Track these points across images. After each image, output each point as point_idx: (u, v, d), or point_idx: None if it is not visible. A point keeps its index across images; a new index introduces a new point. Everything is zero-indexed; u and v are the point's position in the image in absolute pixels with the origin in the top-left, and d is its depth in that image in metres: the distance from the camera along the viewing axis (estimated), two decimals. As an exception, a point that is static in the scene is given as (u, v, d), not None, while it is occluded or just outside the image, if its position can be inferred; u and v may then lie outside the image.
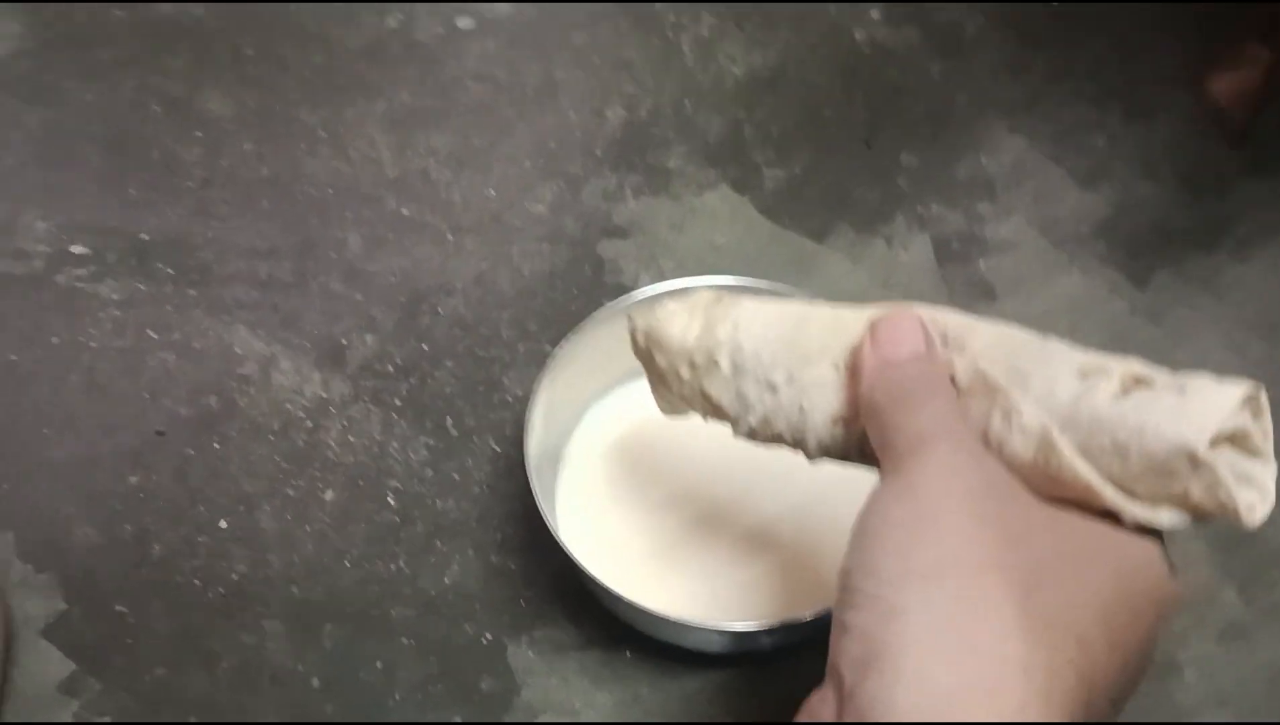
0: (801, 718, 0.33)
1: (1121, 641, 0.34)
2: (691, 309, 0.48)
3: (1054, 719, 0.30)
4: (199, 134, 0.77)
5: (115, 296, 0.70)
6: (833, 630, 0.33)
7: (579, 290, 0.71)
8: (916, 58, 0.81)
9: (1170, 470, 0.36)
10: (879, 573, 0.32)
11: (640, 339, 0.50)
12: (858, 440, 0.42)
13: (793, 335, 0.44)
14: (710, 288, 0.51)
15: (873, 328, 0.41)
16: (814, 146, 0.77)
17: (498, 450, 0.65)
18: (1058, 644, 0.32)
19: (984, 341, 0.40)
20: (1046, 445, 0.37)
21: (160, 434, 0.65)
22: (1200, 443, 0.35)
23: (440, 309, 0.70)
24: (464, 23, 0.83)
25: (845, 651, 0.32)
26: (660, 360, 0.49)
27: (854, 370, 0.42)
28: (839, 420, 0.42)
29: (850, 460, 0.43)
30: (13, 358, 0.68)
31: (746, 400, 0.45)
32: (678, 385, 0.49)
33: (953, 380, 0.40)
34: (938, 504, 0.33)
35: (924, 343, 0.40)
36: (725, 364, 0.46)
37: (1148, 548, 0.36)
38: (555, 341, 0.64)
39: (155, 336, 0.69)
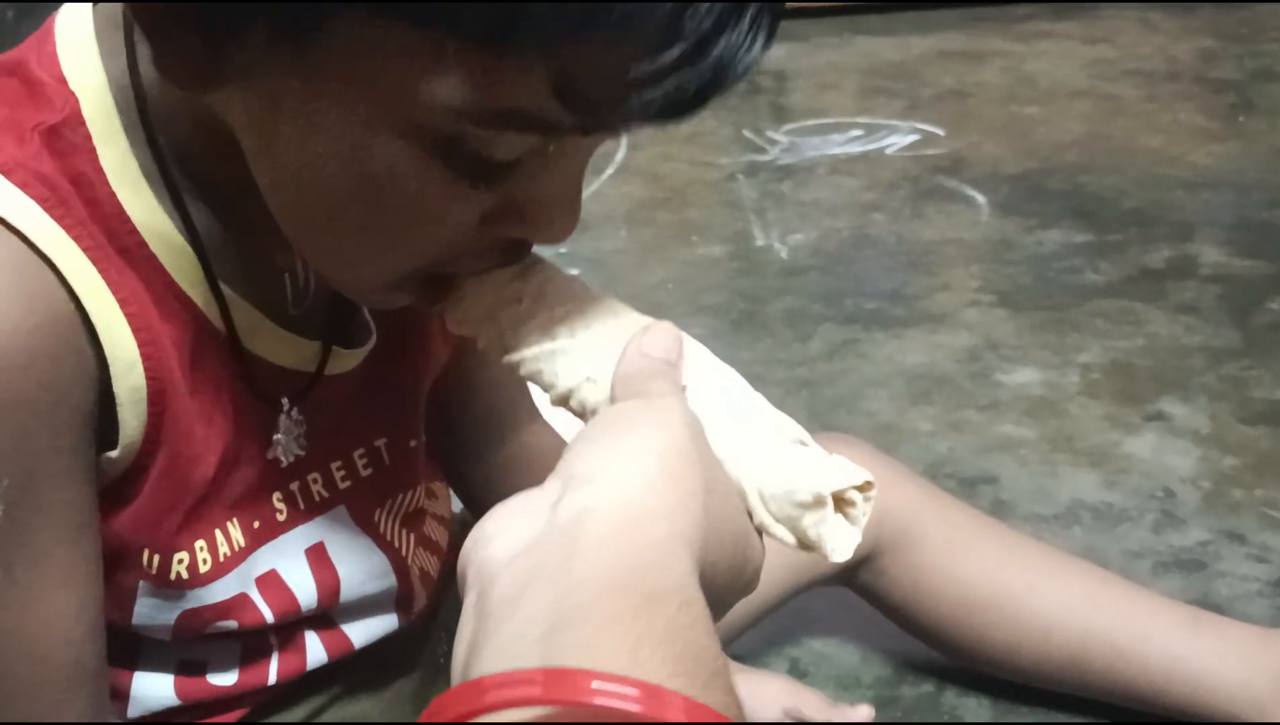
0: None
1: (737, 566, 0.47)
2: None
3: (695, 561, 0.41)
4: None
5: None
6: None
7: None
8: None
9: (800, 502, 0.49)
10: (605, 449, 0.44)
11: None
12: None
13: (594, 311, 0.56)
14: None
15: (647, 329, 0.53)
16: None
17: None
18: (713, 528, 0.43)
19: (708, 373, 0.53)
20: (729, 456, 0.50)
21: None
22: (825, 488, 0.49)
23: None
24: None
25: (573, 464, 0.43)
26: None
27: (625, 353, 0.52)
28: (594, 380, 0.54)
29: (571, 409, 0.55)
30: None
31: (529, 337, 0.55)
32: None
33: None
34: (673, 429, 0.45)
35: (677, 355, 0.52)
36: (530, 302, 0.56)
37: (757, 539, 0.50)
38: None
39: None
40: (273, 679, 0.71)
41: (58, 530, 0.57)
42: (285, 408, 0.66)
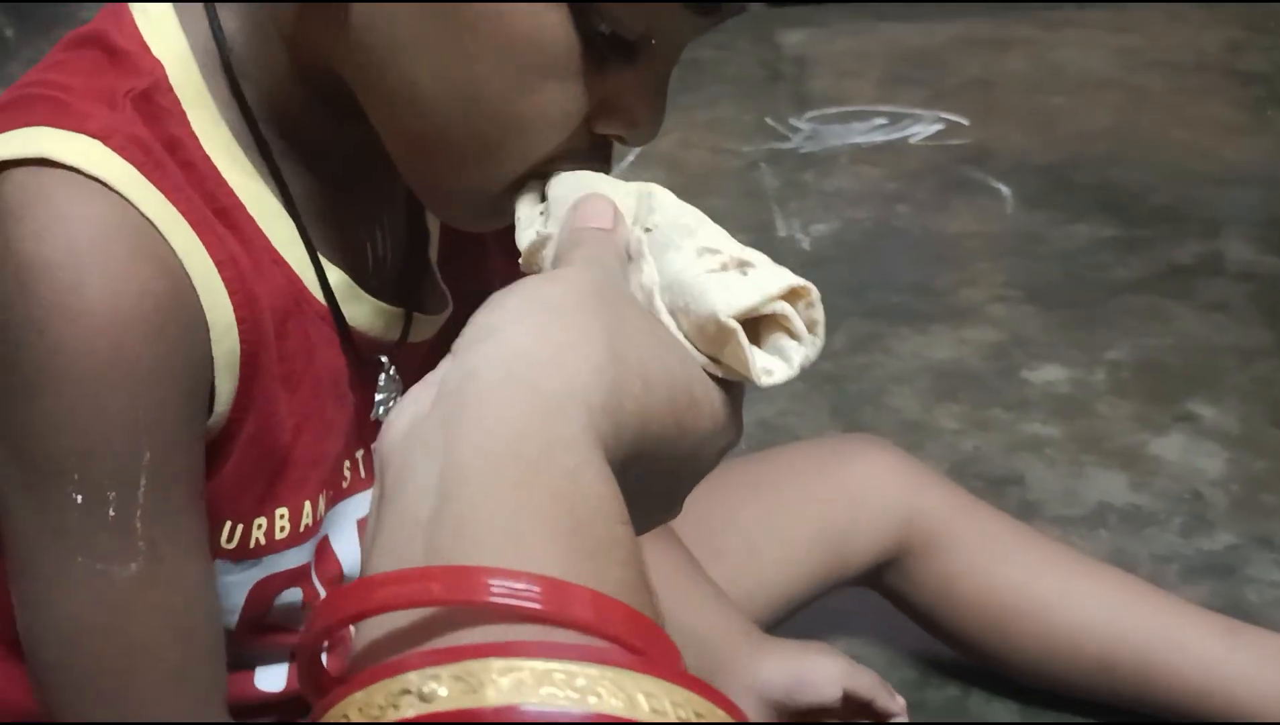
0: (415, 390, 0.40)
1: (680, 414, 0.42)
2: None
3: (601, 414, 0.38)
4: None
5: None
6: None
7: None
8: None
9: (706, 332, 0.44)
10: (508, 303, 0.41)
11: None
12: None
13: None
14: None
15: (576, 204, 0.50)
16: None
17: None
18: (627, 373, 0.40)
19: (661, 218, 0.49)
20: (647, 297, 0.46)
21: None
22: (724, 312, 0.43)
23: None
24: None
25: (463, 336, 0.40)
26: None
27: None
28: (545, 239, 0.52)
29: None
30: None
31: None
32: None
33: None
34: (569, 279, 0.43)
35: (610, 221, 0.49)
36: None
37: (711, 383, 0.45)
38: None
39: None
40: None
41: (189, 500, 0.57)
42: (386, 366, 0.65)
